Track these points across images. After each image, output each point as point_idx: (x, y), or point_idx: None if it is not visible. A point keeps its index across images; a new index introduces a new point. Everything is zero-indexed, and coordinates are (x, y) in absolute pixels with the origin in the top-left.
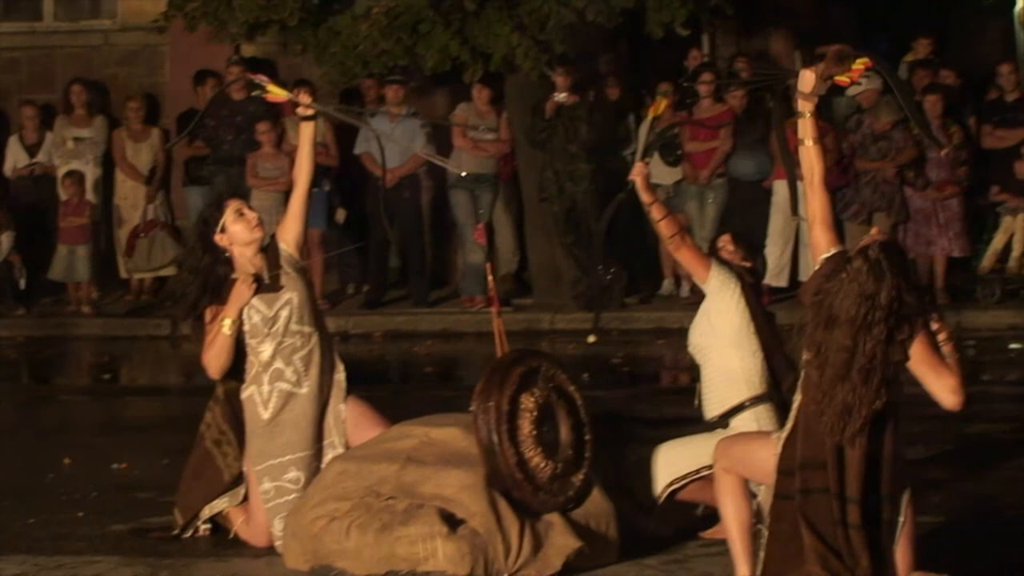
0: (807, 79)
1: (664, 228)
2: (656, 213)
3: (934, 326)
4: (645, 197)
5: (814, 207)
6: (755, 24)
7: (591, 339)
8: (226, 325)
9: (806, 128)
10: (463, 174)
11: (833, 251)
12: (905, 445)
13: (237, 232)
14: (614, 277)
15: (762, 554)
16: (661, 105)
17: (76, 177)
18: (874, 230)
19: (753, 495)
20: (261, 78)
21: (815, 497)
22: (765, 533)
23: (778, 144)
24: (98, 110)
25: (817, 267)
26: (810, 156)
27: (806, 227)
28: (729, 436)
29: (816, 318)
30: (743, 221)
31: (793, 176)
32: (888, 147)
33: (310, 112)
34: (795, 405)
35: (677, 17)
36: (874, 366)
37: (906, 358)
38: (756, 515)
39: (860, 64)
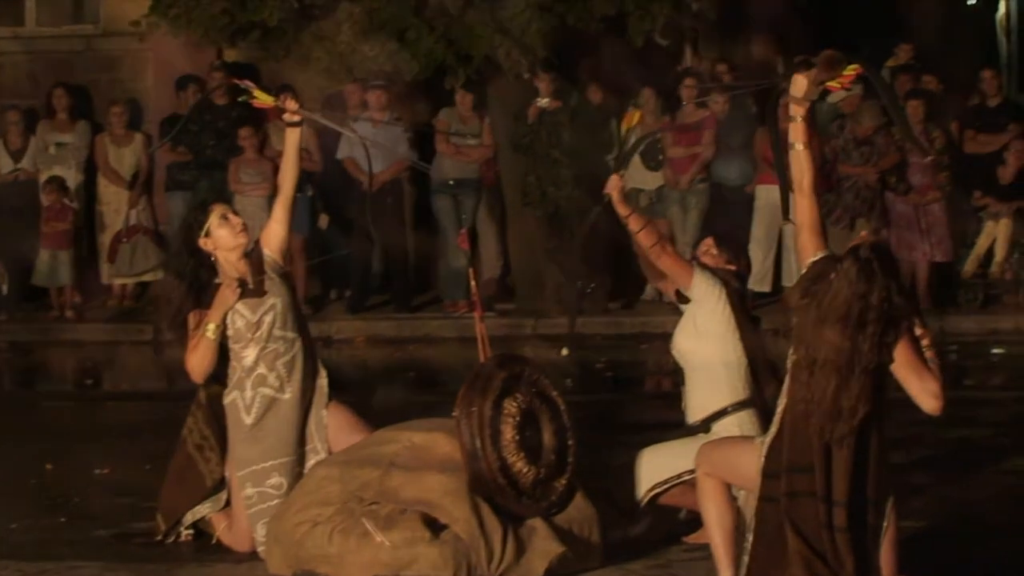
0: (799, 84)
1: (644, 239)
2: (634, 225)
3: (917, 331)
4: (622, 210)
5: (803, 211)
6: (738, 30)
7: (564, 351)
8: (210, 329)
9: (797, 133)
10: (450, 182)
11: (820, 255)
12: (889, 449)
13: (222, 237)
14: (594, 290)
15: (746, 558)
16: (635, 117)
17: (57, 182)
18: (863, 233)
19: (733, 498)
20: (248, 84)
21: (801, 500)
22: (749, 537)
23: (772, 148)
24: (80, 115)
25: (804, 271)
26: (800, 161)
27: (793, 231)
28: (712, 441)
29: (804, 319)
30: (726, 226)
31: (785, 180)
32: (870, 152)
33: (296, 118)
34: (780, 408)
35: (657, 24)
36: (868, 367)
37: (891, 360)
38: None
39: (851, 70)
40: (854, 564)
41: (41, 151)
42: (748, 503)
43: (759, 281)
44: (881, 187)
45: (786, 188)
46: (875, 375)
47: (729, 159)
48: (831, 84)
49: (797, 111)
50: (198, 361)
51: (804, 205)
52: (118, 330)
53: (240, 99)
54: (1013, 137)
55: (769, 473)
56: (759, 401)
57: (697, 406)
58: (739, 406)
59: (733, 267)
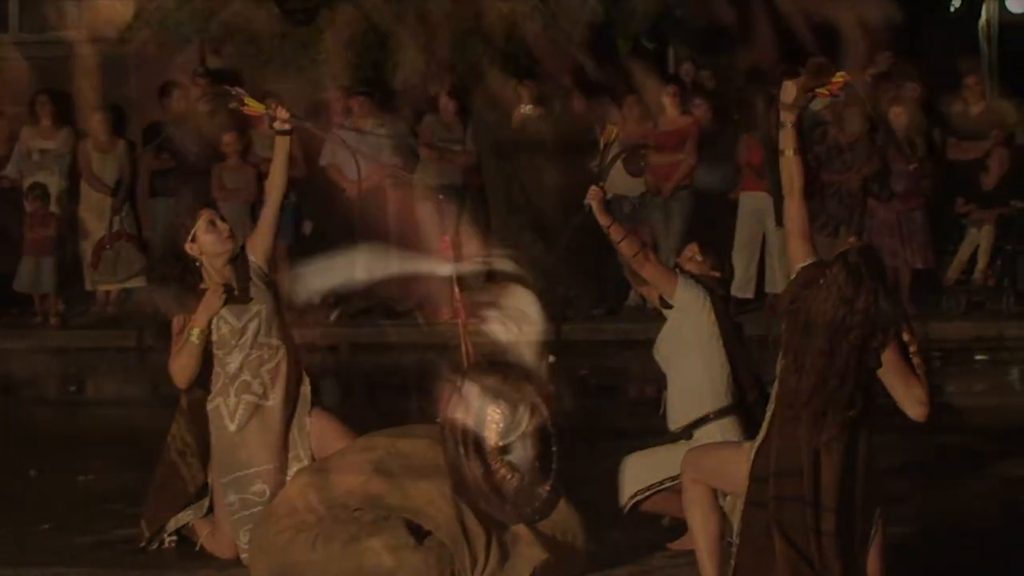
0: (788, 91)
1: (626, 248)
2: (615, 234)
3: (905, 337)
4: (603, 220)
5: (792, 217)
6: (723, 36)
7: (551, 359)
8: (194, 334)
9: (787, 139)
10: (439, 196)
11: (810, 261)
12: (879, 456)
13: (208, 242)
14: (576, 296)
15: (732, 563)
16: (612, 133)
17: (40, 189)
18: (851, 239)
19: (719, 505)
20: (239, 91)
21: (789, 504)
22: (735, 542)
23: (766, 154)
24: (64, 122)
25: (794, 276)
26: (790, 167)
27: (783, 237)
28: (698, 446)
29: (793, 325)
30: (709, 233)
31: (778, 187)
32: (852, 159)
33: (287, 126)
34: (769, 412)
35: (641, 29)
36: (850, 371)
37: (878, 365)
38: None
39: (839, 78)
40: (841, 569)
41: (24, 158)
42: (735, 509)
43: (742, 288)
44: (863, 194)
45: (780, 195)
46: (861, 380)
47: (712, 166)
48: (819, 91)
49: (787, 117)
50: (182, 366)
51: (794, 211)
52: (101, 336)
53: (231, 106)
54: (995, 144)
55: (757, 477)
56: (741, 408)
57: (679, 412)
58: (721, 413)
59: (717, 273)
